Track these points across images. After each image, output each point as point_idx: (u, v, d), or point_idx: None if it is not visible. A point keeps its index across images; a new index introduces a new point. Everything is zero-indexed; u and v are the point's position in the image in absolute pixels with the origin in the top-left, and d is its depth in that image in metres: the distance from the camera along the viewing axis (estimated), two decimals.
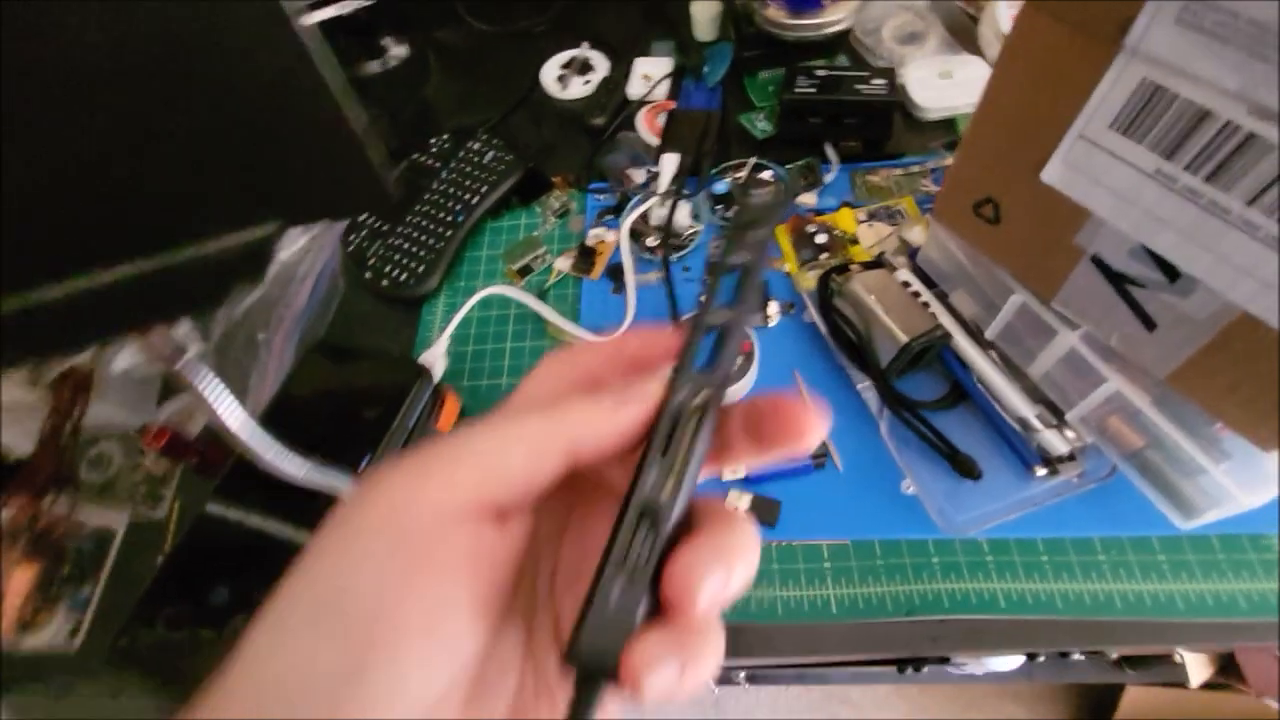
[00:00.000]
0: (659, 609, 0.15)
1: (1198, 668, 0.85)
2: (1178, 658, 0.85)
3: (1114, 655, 0.59)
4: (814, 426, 0.17)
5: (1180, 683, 0.87)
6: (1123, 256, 0.30)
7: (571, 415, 0.16)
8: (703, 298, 0.17)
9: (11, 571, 0.43)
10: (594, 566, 0.15)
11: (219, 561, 0.39)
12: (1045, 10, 0.27)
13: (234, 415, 0.24)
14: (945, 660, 0.53)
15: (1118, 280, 0.31)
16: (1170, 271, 0.29)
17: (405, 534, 0.15)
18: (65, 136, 0.17)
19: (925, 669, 0.53)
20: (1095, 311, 0.34)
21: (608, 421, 0.16)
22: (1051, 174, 0.30)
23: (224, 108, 0.18)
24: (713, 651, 0.15)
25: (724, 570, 0.15)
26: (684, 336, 0.17)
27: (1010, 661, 0.81)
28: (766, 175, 0.55)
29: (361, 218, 0.58)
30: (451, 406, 0.46)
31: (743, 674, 1.01)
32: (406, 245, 0.56)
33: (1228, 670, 0.84)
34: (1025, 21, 0.27)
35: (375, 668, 0.14)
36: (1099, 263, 0.32)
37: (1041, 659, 0.49)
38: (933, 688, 1.15)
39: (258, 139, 0.18)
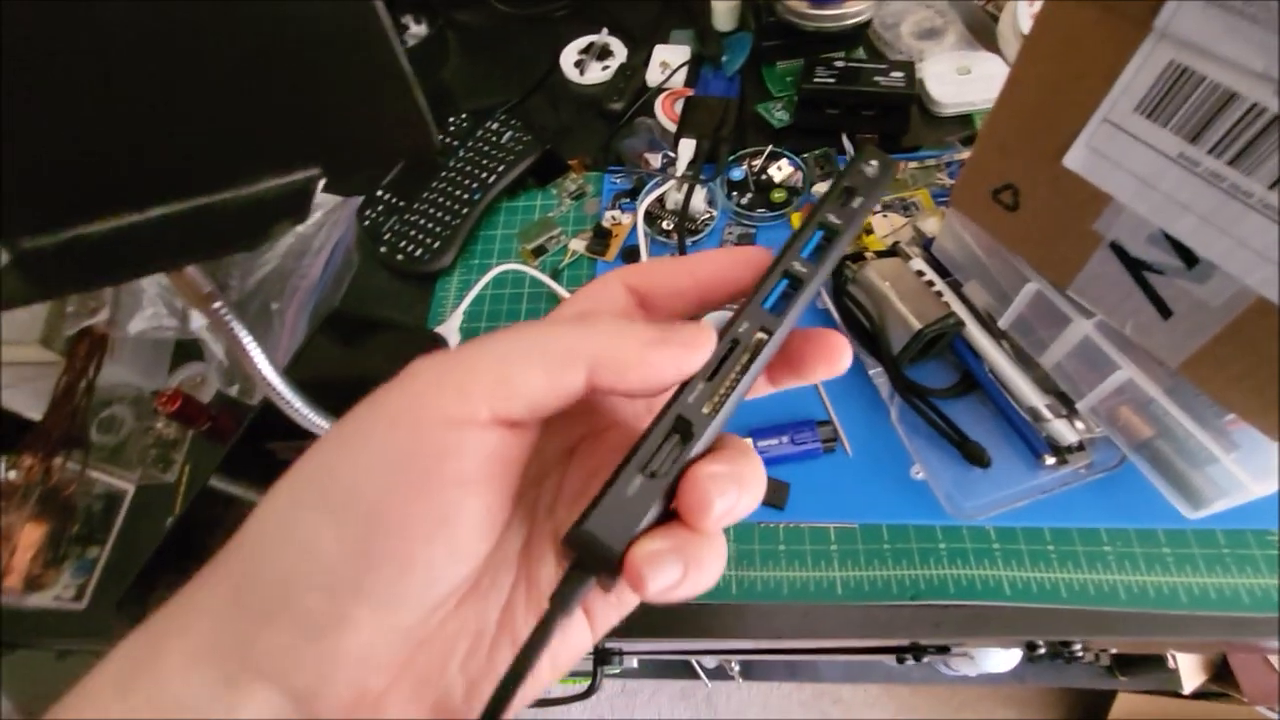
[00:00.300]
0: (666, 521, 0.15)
1: (1191, 674, 0.85)
2: (1171, 662, 0.86)
3: (1112, 652, 0.59)
4: (846, 352, 0.18)
5: (1173, 690, 0.87)
6: (1141, 242, 0.31)
7: (601, 338, 0.15)
8: (791, 243, 0.17)
9: (21, 528, 0.43)
10: (597, 491, 0.15)
11: (222, 531, 0.39)
12: None
13: (262, 361, 0.24)
14: (945, 650, 0.54)
15: (1135, 266, 0.32)
16: (1188, 257, 0.29)
17: (417, 442, 0.14)
18: (124, 78, 0.18)
19: (924, 659, 0.53)
20: (1110, 299, 0.34)
21: (638, 355, 0.15)
22: (1074, 158, 0.31)
23: (283, 51, 0.18)
24: (715, 560, 0.15)
25: (737, 489, 0.15)
26: (761, 275, 0.17)
27: (1003, 663, 0.81)
28: (783, 163, 0.55)
29: (378, 193, 0.58)
30: None
31: (736, 665, 1.01)
32: (422, 221, 0.56)
33: (1222, 677, 0.84)
34: (1053, 4, 0.28)
35: (379, 568, 0.14)
36: (1117, 249, 0.32)
37: (1042, 650, 0.49)
38: (924, 689, 1.15)
39: (312, 83, 0.19)
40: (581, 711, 1.14)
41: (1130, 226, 0.31)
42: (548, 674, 0.17)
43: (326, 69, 0.19)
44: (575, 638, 0.17)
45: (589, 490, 0.16)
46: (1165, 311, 0.32)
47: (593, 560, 0.15)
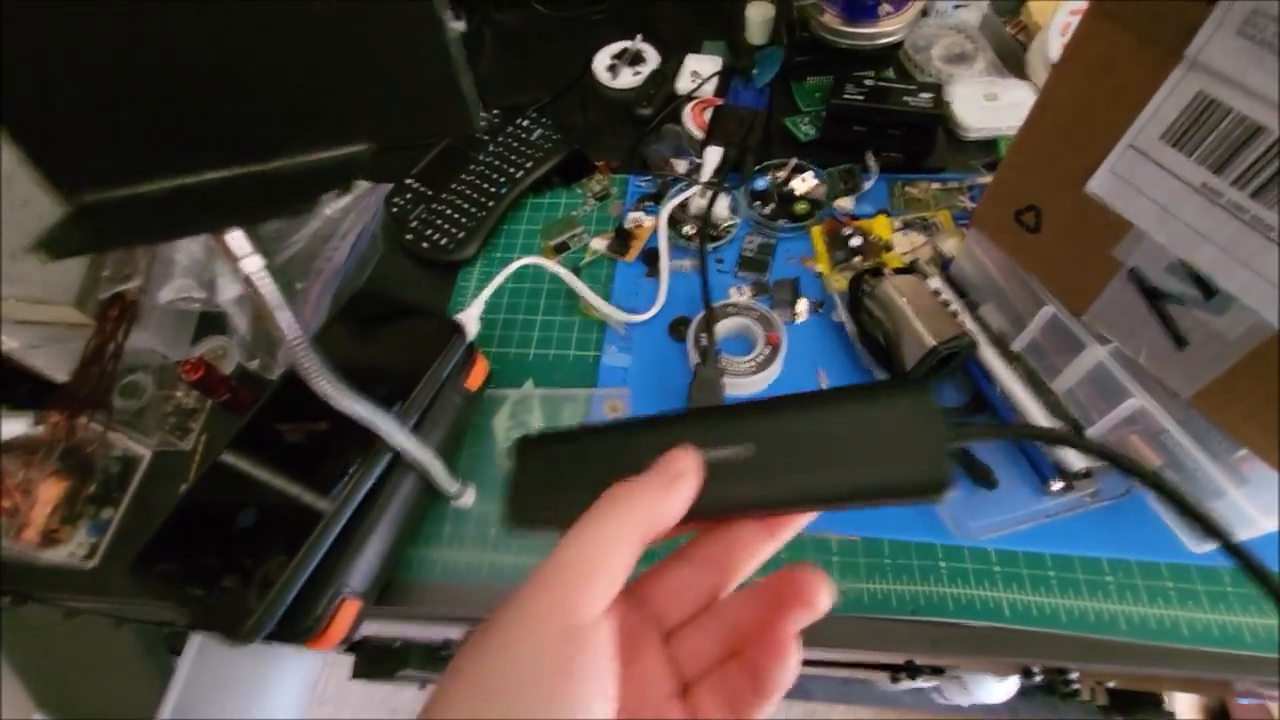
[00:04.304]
0: None
1: (1189, 717, 0.84)
2: (1168, 704, 0.84)
3: (1109, 685, 0.59)
4: (821, 588, 0.19)
5: None
6: (1160, 271, 0.31)
7: (638, 509, 0.19)
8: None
9: (42, 483, 0.44)
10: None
11: (237, 499, 0.40)
12: (1111, 16, 0.27)
13: (293, 328, 0.25)
14: (940, 671, 0.54)
15: (1153, 295, 0.32)
16: (1207, 288, 0.29)
17: (553, 643, 0.17)
18: (190, 46, 0.19)
19: (919, 679, 0.53)
20: (1126, 326, 0.34)
21: (672, 502, 0.19)
22: (1098, 184, 0.31)
23: (341, 28, 0.19)
24: None
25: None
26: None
27: (997, 693, 0.80)
28: (807, 175, 0.56)
29: (407, 181, 0.59)
30: (481, 368, 0.47)
31: None
32: (449, 212, 0.57)
33: None
34: (1089, 26, 0.28)
35: None
36: (1135, 276, 0.32)
37: (1038, 677, 0.49)
38: (915, 713, 1.14)
39: (365, 60, 0.19)
40: None
41: (1150, 254, 0.31)
42: None
43: (381, 48, 0.19)
44: None
45: None
46: (1181, 341, 0.32)
47: None
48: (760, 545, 0.21)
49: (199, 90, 0.19)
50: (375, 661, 0.91)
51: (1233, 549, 0.21)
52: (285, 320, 0.24)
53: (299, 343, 0.25)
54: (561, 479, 0.21)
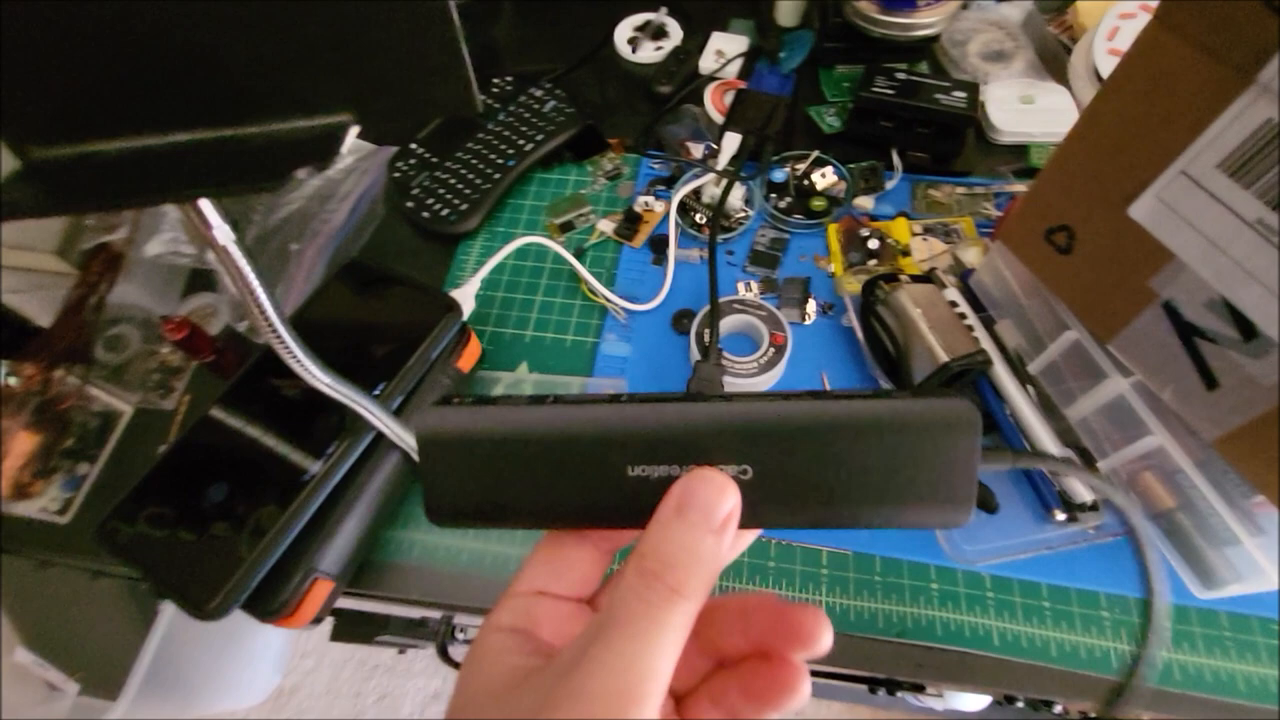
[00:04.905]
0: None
1: None
2: None
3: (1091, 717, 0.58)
4: (823, 631, 0.17)
5: None
6: (1198, 307, 0.29)
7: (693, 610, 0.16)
8: None
9: (15, 434, 0.43)
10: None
11: (213, 467, 0.39)
12: (1173, 29, 0.25)
13: (268, 305, 0.23)
14: (920, 688, 0.53)
15: (1187, 331, 0.30)
16: (1247, 329, 0.28)
17: None
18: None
19: (897, 694, 0.52)
20: (1153, 360, 0.33)
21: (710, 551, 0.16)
22: (1141, 209, 0.29)
23: None
24: None
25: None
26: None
27: (972, 704, 0.80)
28: (828, 170, 0.54)
29: (412, 146, 0.57)
30: (474, 348, 0.45)
31: None
32: (453, 181, 0.55)
33: None
34: (1150, 37, 0.26)
35: None
36: (1170, 310, 0.30)
37: (1020, 704, 0.48)
38: (887, 713, 1.14)
39: (352, 21, 0.17)
40: None
41: (1189, 288, 0.29)
42: None
43: (375, 12, 0.17)
44: None
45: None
46: (1212, 382, 0.30)
47: None
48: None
49: (165, 38, 0.17)
50: (354, 625, 0.92)
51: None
52: (261, 297, 0.23)
53: (274, 323, 0.23)
54: (490, 467, 0.17)
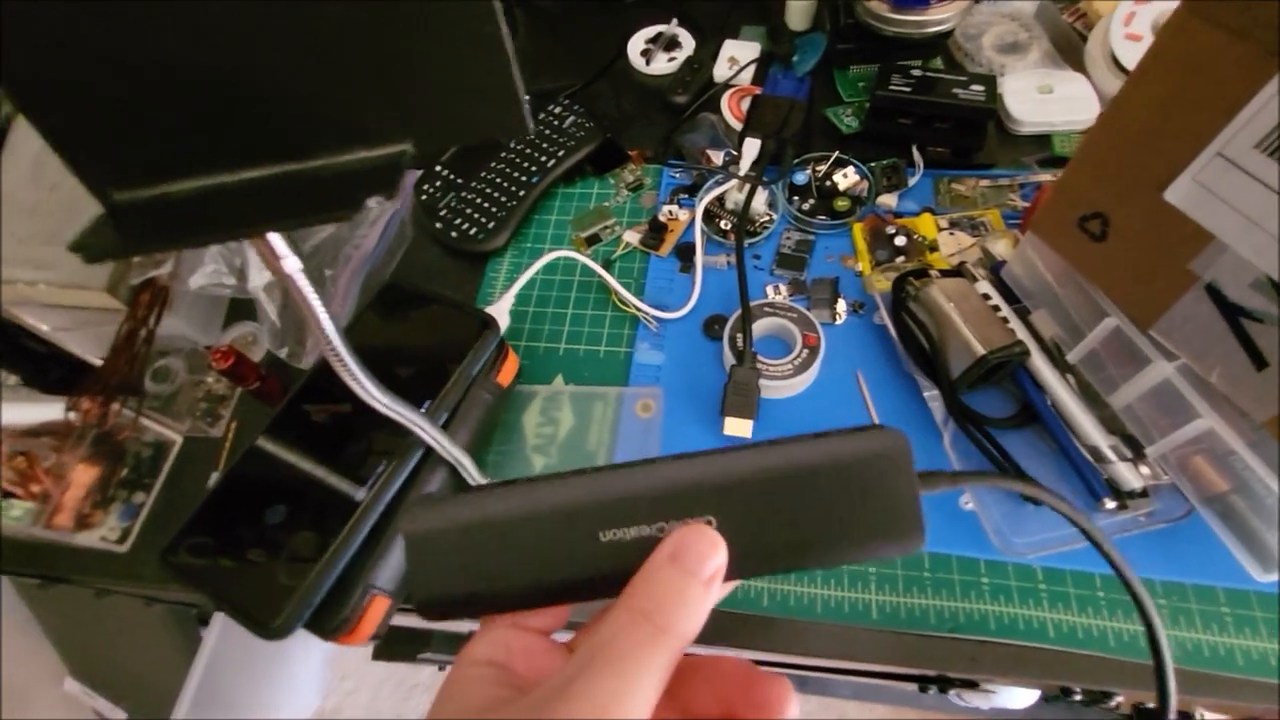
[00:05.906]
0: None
1: None
2: (1199, 717, 0.82)
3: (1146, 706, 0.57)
4: (789, 704, 0.17)
5: None
6: (1242, 287, 0.29)
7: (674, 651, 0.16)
8: None
9: (75, 468, 0.45)
10: None
11: (268, 491, 0.40)
12: (1202, 15, 0.25)
13: (331, 330, 0.24)
14: (974, 685, 0.52)
15: (1232, 312, 0.30)
16: None
17: None
18: (225, 36, 0.17)
19: (950, 693, 0.52)
20: (1198, 343, 0.32)
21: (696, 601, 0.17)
22: (1177, 192, 0.29)
23: (386, 21, 0.18)
24: None
25: None
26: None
27: (1019, 700, 0.79)
28: (849, 170, 0.54)
29: (437, 168, 0.58)
30: (512, 363, 0.46)
31: None
32: (479, 200, 0.56)
33: None
34: (1177, 23, 0.26)
35: None
36: (1213, 291, 0.30)
37: (1078, 696, 0.47)
38: (931, 715, 1.13)
39: (412, 55, 0.18)
40: None
41: (1231, 269, 0.29)
42: None
43: (429, 42, 0.18)
44: None
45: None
46: (1260, 362, 0.30)
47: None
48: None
49: (231, 82, 0.18)
50: (397, 643, 0.92)
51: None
52: (326, 323, 0.23)
53: (338, 345, 0.24)
54: (469, 555, 0.18)
